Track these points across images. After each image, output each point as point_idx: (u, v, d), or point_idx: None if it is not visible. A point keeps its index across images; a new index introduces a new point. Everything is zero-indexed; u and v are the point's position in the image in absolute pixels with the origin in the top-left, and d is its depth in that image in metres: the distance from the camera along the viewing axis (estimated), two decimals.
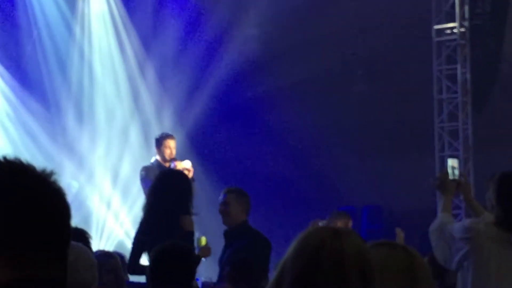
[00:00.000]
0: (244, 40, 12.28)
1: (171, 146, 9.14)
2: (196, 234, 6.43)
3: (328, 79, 12.29)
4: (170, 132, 9.73)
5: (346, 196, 12.03)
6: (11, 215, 1.40)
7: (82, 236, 4.45)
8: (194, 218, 6.28)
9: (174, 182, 6.30)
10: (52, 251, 1.44)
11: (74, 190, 10.50)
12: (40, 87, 12.05)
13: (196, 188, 10.55)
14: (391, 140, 12.08)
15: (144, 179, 8.87)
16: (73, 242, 4.15)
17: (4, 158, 1.45)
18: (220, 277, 6.06)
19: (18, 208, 1.41)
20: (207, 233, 9.85)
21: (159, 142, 9.23)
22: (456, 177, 5.33)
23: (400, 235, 7.20)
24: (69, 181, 10.64)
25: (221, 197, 6.59)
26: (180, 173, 6.68)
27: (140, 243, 6.18)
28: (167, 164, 8.96)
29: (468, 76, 11.54)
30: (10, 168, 1.44)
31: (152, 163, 9.14)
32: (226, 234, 6.52)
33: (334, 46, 12.25)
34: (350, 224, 8.41)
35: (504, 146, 11.38)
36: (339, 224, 7.91)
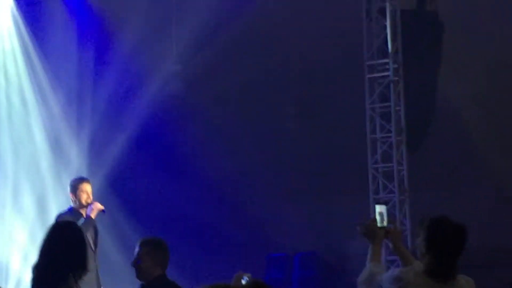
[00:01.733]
0: (166, 77, 12.17)
1: (88, 190, 9.01)
2: None
3: (258, 118, 12.21)
4: (84, 176, 9.54)
5: (276, 242, 11.89)
6: None
7: None
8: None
9: (67, 238, 6.08)
10: None
11: None
12: None
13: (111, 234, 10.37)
14: (324, 181, 12.02)
15: None
16: None
17: None
18: None
19: None
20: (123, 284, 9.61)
21: (74, 187, 9.07)
22: (385, 224, 5.26)
23: None
24: None
25: (135, 249, 6.38)
26: (69, 228, 6.35)
27: None
28: (83, 210, 8.85)
29: (402, 114, 11.55)
30: None
31: (68, 210, 8.97)
32: None
33: (264, 84, 12.19)
34: None
35: (440, 188, 11.38)
36: None
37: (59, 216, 8.92)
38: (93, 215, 8.86)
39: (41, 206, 11.21)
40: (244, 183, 12.11)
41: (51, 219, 9.11)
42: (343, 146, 11.74)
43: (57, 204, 11.46)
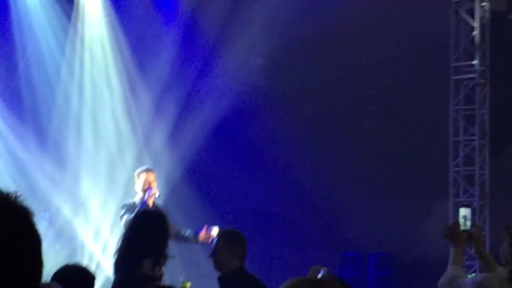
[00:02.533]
0: (249, 70, 12.24)
1: (150, 179, 9.31)
2: (180, 279, 6.36)
3: (339, 117, 12.21)
4: (150, 167, 9.77)
5: (351, 240, 11.89)
6: None
7: (83, 277, 4.42)
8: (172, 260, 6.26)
9: (147, 226, 6.27)
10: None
11: (46, 222, 10.39)
12: (29, 109, 12.09)
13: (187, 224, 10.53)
14: (403, 183, 11.96)
15: (121, 217, 9.12)
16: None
17: None
18: None
19: None
20: (199, 275, 9.75)
21: (137, 176, 9.41)
22: (468, 228, 5.23)
23: None
24: (41, 213, 10.55)
25: (213, 241, 6.49)
26: (156, 216, 6.53)
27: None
28: (145, 195, 9.19)
29: (486, 117, 11.44)
30: None
31: (132, 202, 9.28)
32: (220, 280, 6.39)
33: (347, 83, 12.17)
34: None
35: None
36: None
37: (123, 207, 9.24)
38: (149, 202, 9.12)
39: (127, 191, 11.42)
40: (323, 179, 12.11)
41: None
42: (424, 147, 11.68)
43: None
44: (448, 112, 11.53)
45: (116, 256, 6.28)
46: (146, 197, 9.13)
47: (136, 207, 9.01)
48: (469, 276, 5.31)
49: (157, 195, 9.21)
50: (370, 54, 11.93)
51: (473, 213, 10.98)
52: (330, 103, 12.20)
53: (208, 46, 12.39)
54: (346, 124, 12.21)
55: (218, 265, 6.36)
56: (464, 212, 5.33)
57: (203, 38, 12.49)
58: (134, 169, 10.59)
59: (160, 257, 6.15)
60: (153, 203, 9.28)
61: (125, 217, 8.97)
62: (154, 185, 9.29)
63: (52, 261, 9.04)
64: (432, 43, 11.51)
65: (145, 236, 6.18)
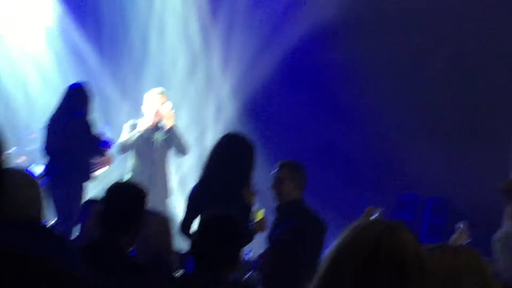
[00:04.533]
0: (324, 3, 12.23)
1: (161, 101, 9.57)
2: (254, 207, 6.52)
3: (409, 59, 12.16)
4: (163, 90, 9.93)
5: (410, 184, 11.98)
6: None
7: (137, 195, 4.51)
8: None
9: (241, 151, 6.35)
10: None
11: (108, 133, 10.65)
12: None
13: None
14: (467, 130, 11.96)
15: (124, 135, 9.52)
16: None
17: None
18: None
19: None
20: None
21: (150, 98, 9.65)
22: None
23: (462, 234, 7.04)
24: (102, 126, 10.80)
25: (274, 171, 6.59)
26: (248, 143, 6.55)
27: (195, 207, 6.30)
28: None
29: None
30: None
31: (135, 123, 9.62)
32: (278, 211, 6.53)
33: (417, 22, 12.11)
34: None
35: None
36: None
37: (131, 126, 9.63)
38: (165, 125, 9.49)
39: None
40: (388, 121, 12.16)
41: None
42: (491, 95, 11.62)
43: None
44: None
45: (206, 178, 6.38)
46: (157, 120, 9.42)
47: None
48: None
49: (151, 120, 9.42)
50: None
51: None
52: (397, 39, 12.14)
53: None
54: (413, 65, 12.16)
55: (279, 195, 6.50)
56: None
57: None
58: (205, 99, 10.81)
59: (251, 184, 6.33)
60: (157, 125, 9.55)
61: (128, 134, 9.38)
62: (161, 108, 9.51)
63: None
64: None
65: (242, 163, 6.31)
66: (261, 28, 12.35)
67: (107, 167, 9.46)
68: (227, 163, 6.27)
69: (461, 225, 6.96)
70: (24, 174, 4.00)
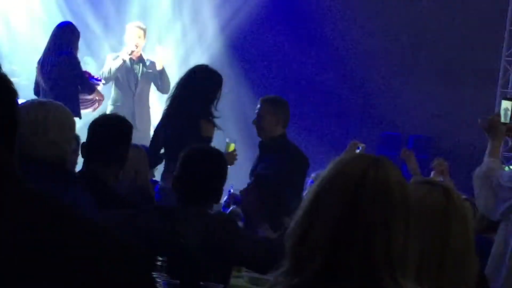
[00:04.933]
0: None
1: (138, 35, 9.57)
2: (226, 140, 6.53)
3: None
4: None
5: (393, 121, 12.03)
6: None
7: (121, 128, 4.51)
8: (220, 122, 6.38)
9: (203, 82, 6.34)
10: None
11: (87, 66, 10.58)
12: None
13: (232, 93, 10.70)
14: (451, 69, 11.99)
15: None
16: (47, 100, 4.15)
17: None
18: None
19: None
20: (241, 142, 9.97)
21: (129, 30, 9.69)
22: (507, 121, 5.22)
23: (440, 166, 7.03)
24: (85, 58, 10.73)
25: (257, 107, 6.59)
26: (215, 74, 6.54)
27: (157, 138, 6.43)
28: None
29: None
30: None
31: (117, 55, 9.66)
32: (261, 146, 6.54)
33: None
34: None
35: None
36: None
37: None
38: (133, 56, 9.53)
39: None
40: (373, 57, 12.17)
41: None
42: (477, 33, 11.61)
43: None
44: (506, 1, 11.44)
45: (169, 108, 6.40)
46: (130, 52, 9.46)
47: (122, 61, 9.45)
48: (506, 168, 5.37)
49: (130, 52, 9.45)
50: None
51: None
52: None
53: None
54: (397, 5, 12.12)
55: (261, 131, 6.49)
56: (505, 104, 5.28)
57: None
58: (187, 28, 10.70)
59: (212, 116, 6.32)
60: (140, 56, 9.57)
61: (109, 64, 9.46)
62: (139, 42, 9.53)
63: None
64: None
65: (205, 95, 6.29)
66: None
67: (99, 104, 9.43)
68: (188, 94, 6.28)
69: (435, 160, 6.97)
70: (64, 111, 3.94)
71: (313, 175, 6.46)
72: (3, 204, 1.45)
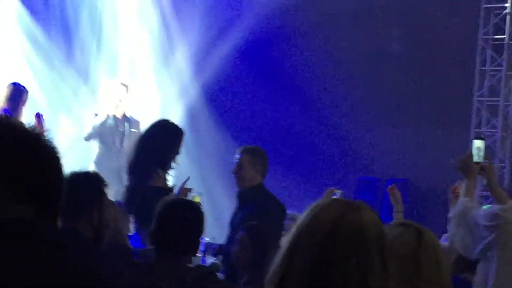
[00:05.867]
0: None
1: (120, 92, 9.69)
2: (192, 194, 6.55)
3: (362, 41, 12.25)
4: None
5: (370, 165, 12.08)
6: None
7: (96, 183, 4.50)
8: (197, 171, 6.44)
9: (161, 135, 6.45)
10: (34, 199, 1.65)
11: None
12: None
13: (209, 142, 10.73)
14: (425, 109, 12.09)
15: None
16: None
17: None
18: (230, 240, 6.15)
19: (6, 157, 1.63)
20: (215, 191, 10.00)
21: (110, 88, 9.81)
22: (481, 160, 5.25)
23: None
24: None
25: (235, 157, 6.62)
26: (173, 127, 6.69)
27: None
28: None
29: None
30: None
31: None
32: (239, 196, 6.56)
33: (373, 9, 12.20)
34: None
35: None
36: None
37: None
38: (117, 114, 9.63)
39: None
40: (345, 102, 12.26)
41: None
42: (449, 75, 11.75)
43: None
44: (476, 40, 11.59)
45: (129, 164, 6.47)
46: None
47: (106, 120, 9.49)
48: (484, 207, 5.38)
49: (112, 110, 9.50)
50: None
51: (494, 144, 11.19)
52: (356, 25, 12.24)
53: None
54: (370, 49, 12.27)
55: (241, 181, 6.52)
56: (478, 143, 5.32)
57: None
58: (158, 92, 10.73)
59: (170, 168, 6.38)
60: (124, 114, 9.60)
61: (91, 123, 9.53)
62: (122, 99, 9.62)
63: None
64: None
65: (158, 146, 6.37)
66: (216, 21, 12.38)
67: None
68: (146, 146, 6.37)
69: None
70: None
71: (288, 212, 6.50)
72: (35, 268, 1.56)
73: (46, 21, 12.04)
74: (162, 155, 6.36)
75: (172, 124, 6.69)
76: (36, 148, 1.66)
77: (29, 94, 9.41)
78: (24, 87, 9.28)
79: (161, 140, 6.41)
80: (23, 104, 9.13)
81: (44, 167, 1.66)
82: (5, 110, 8.83)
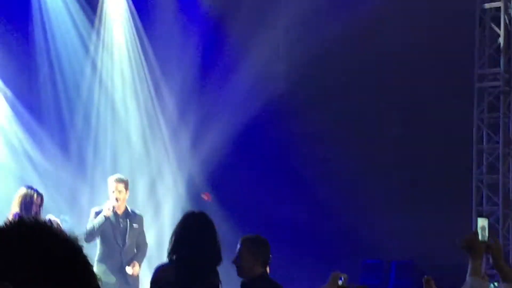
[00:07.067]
0: (270, 76, 12.45)
1: (118, 189, 9.58)
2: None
3: (361, 124, 12.37)
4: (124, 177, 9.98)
5: (374, 249, 12.07)
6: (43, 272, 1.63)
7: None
8: None
9: (206, 229, 6.37)
10: None
11: (66, 224, 10.62)
12: (52, 113, 12.34)
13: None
14: (426, 190, 12.12)
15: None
16: None
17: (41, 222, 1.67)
18: None
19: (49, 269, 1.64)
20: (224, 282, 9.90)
21: (110, 183, 9.71)
22: (486, 239, 5.28)
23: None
24: (61, 216, 10.79)
25: (237, 247, 6.62)
26: (210, 220, 6.66)
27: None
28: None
29: (511, 125, 11.61)
30: (42, 230, 1.68)
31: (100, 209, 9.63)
32: (243, 287, 6.55)
33: (369, 87, 12.37)
34: None
35: None
36: None
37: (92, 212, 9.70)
38: (117, 210, 9.54)
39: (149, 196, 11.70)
40: (342, 187, 12.31)
41: None
42: (447, 154, 11.84)
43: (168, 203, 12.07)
44: (472, 119, 11.71)
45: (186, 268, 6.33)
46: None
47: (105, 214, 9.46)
48: (492, 286, 5.37)
49: (111, 207, 9.48)
50: (393, 61, 12.13)
51: (496, 222, 11.21)
52: (353, 108, 12.39)
53: (232, 51, 12.62)
54: (369, 132, 12.38)
55: (241, 271, 6.48)
56: (482, 222, 5.31)
57: (227, 43, 12.73)
58: (158, 175, 10.80)
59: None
60: (125, 210, 9.61)
61: (92, 221, 9.45)
62: (121, 195, 9.56)
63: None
64: (457, 50, 11.68)
65: (216, 243, 6.30)
66: (212, 104, 12.54)
67: None
68: (196, 242, 6.26)
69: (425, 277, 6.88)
70: None
71: None
72: None
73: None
74: (213, 250, 6.32)
75: (205, 215, 6.61)
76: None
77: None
78: (36, 190, 9.29)
79: (207, 235, 6.37)
80: (38, 207, 9.14)
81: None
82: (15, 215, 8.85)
